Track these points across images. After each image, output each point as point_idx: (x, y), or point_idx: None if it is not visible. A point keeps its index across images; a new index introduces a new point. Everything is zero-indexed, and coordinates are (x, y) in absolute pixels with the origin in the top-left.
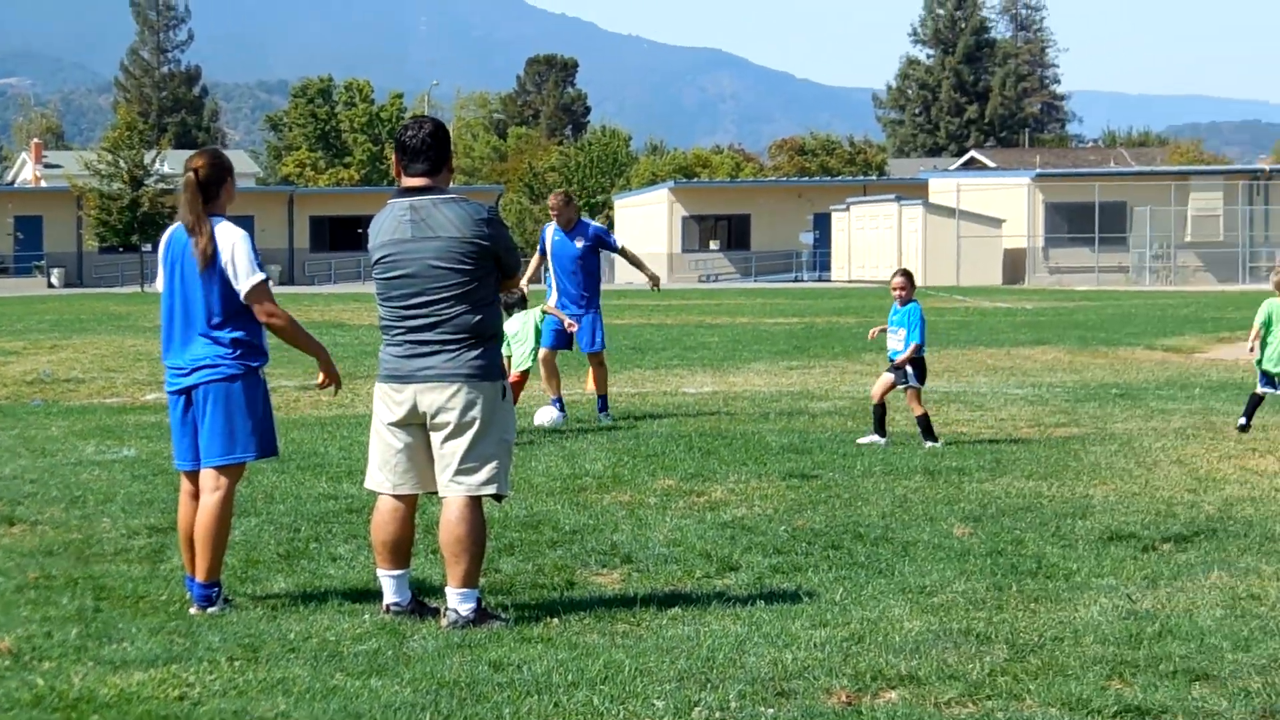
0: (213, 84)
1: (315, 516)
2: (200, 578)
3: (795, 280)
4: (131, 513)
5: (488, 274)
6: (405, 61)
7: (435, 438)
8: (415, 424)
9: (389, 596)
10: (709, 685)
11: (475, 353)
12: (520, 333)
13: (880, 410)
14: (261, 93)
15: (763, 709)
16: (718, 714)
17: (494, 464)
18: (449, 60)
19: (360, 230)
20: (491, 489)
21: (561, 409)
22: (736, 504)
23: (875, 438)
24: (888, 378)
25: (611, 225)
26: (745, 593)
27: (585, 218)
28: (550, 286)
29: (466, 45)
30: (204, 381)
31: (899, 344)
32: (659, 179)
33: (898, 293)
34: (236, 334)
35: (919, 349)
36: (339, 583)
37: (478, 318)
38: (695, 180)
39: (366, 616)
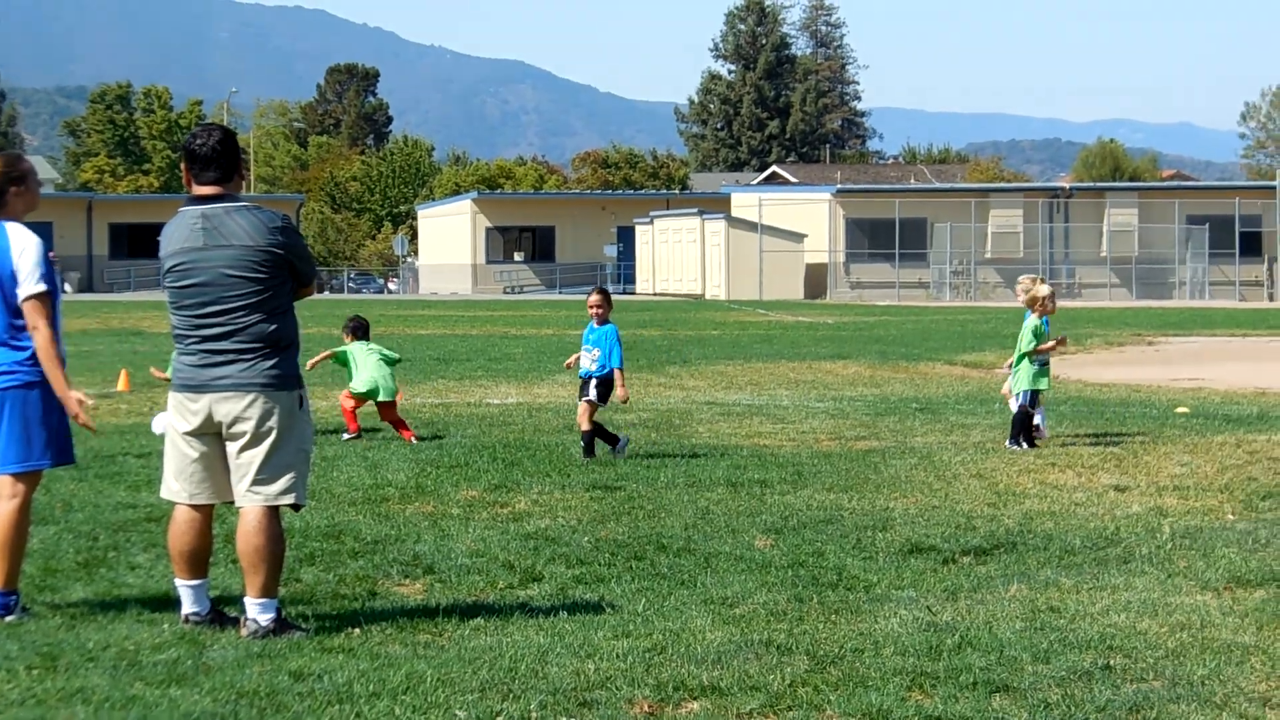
0: (10, 88)
1: (114, 525)
2: None
3: None
4: None
5: (282, 282)
6: (205, 70)
7: (231, 447)
8: (211, 433)
9: (187, 606)
10: (511, 695)
11: (271, 362)
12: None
13: (595, 432)
14: (60, 98)
15: (564, 719)
16: None
17: (291, 474)
18: (249, 69)
19: (159, 238)
20: (289, 499)
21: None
22: (540, 515)
23: (623, 440)
24: (584, 402)
25: (415, 235)
26: (548, 603)
27: None
28: None
29: (267, 54)
30: (4, 388)
31: (592, 363)
32: (462, 190)
33: (595, 311)
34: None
35: (620, 372)
36: (138, 591)
37: (273, 326)
38: (499, 192)
39: (165, 626)
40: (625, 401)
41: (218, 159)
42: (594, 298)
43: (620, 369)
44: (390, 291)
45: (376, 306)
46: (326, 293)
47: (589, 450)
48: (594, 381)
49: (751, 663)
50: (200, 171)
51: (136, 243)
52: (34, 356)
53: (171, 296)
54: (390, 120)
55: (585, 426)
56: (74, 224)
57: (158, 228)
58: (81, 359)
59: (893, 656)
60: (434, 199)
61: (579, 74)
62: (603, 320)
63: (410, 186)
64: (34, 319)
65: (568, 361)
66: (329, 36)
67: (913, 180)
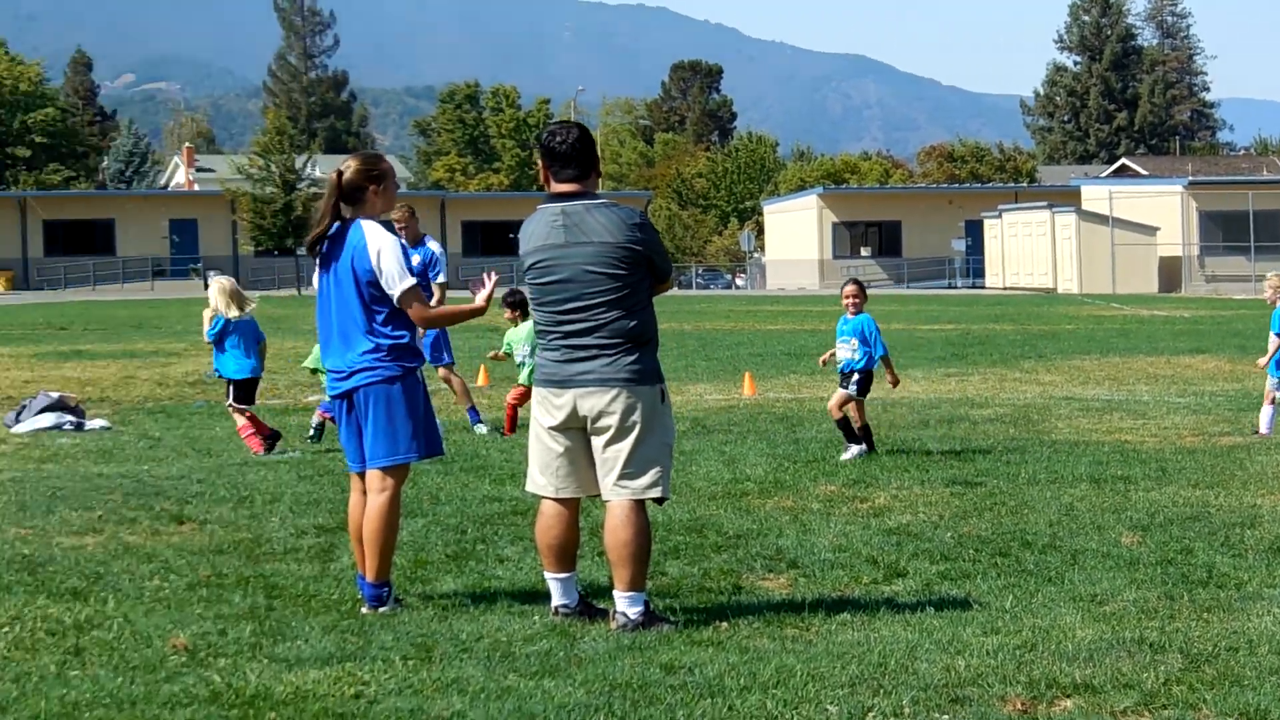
0: (360, 89)
1: (481, 518)
2: (370, 577)
3: (949, 287)
4: (299, 512)
5: (641, 278)
6: (551, 68)
7: (596, 442)
8: (575, 428)
9: (557, 599)
10: (882, 691)
11: (632, 357)
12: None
13: (844, 424)
14: (409, 98)
15: (937, 715)
16: (891, 719)
17: (656, 468)
18: (594, 67)
19: (511, 235)
20: (655, 492)
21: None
22: (900, 510)
23: (855, 449)
24: (842, 392)
25: (761, 231)
26: (914, 599)
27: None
28: None
29: (611, 52)
30: (363, 384)
31: (850, 353)
32: (807, 185)
33: (850, 301)
34: (393, 337)
35: (886, 359)
36: (507, 584)
37: (633, 322)
38: (845, 186)
39: (536, 618)
40: (896, 385)
41: (576, 156)
42: (849, 288)
43: (886, 356)
44: (737, 287)
45: (725, 302)
46: (675, 289)
47: (850, 437)
48: (855, 375)
49: (1124, 660)
50: (559, 169)
51: (489, 240)
52: (393, 350)
53: (533, 293)
54: (734, 116)
55: (836, 415)
56: (428, 222)
57: (508, 225)
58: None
59: (1268, 656)
60: (779, 194)
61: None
62: (857, 310)
63: (755, 182)
64: (415, 311)
65: (822, 358)
66: (671, 34)
67: (1265, 172)
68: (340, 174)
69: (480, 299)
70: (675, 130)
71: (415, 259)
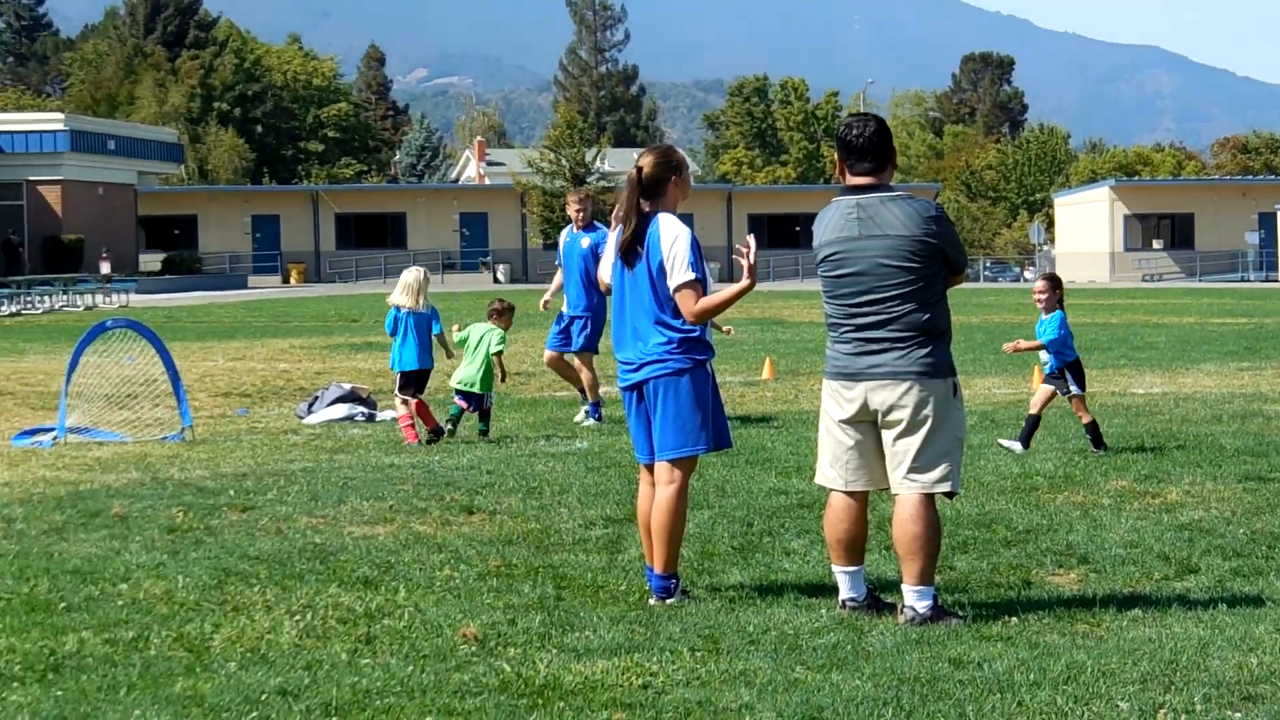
0: (649, 83)
1: (767, 511)
2: (659, 569)
3: (1241, 280)
4: (587, 503)
5: (935, 272)
6: (838, 60)
7: (887, 435)
8: (865, 421)
9: (845, 592)
10: (1173, 688)
11: (925, 350)
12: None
13: (1034, 421)
14: (698, 91)
15: (1229, 713)
16: (1182, 716)
17: (947, 462)
18: (882, 59)
19: (797, 228)
20: (945, 486)
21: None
22: (1193, 506)
23: (1016, 445)
24: (1046, 389)
25: (1051, 223)
26: (1206, 595)
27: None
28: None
29: (900, 44)
30: (653, 376)
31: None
32: (1098, 177)
33: (1038, 298)
34: (685, 329)
35: (1061, 353)
36: (794, 576)
37: (926, 315)
38: (1137, 179)
39: (823, 611)
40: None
41: (873, 149)
42: (1038, 284)
43: (1055, 344)
44: (1026, 280)
45: (1014, 295)
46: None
47: (1026, 439)
48: (1064, 372)
49: None
50: (855, 161)
51: (775, 233)
52: (684, 343)
53: (826, 285)
54: (1025, 108)
55: (1086, 420)
56: (714, 215)
57: (795, 218)
58: (725, 347)
59: None
60: (1070, 187)
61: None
62: (1049, 309)
63: (1046, 174)
64: (686, 306)
65: (1008, 346)
66: (962, 25)
67: None
68: (640, 170)
69: (745, 276)
70: (965, 122)
71: (585, 241)
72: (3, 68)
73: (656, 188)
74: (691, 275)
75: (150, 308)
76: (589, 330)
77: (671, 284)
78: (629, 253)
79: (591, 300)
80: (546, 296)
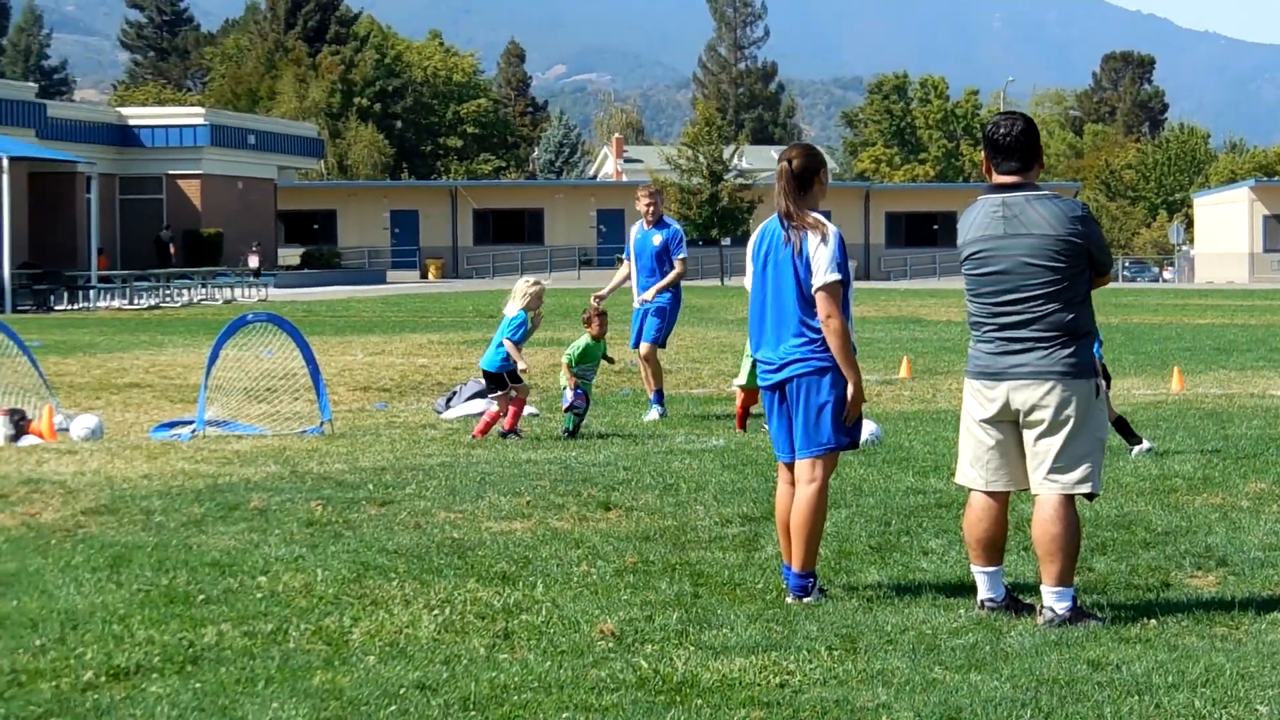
0: (788, 80)
1: (904, 510)
2: (797, 567)
3: None
4: (724, 501)
5: (1080, 271)
6: (977, 58)
7: (1028, 435)
8: (1007, 421)
9: (983, 592)
10: None
11: (1068, 350)
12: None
13: (1120, 421)
14: (836, 89)
15: None
16: None
17: (1088, 463)
18: (1022, 57)
19: (935, 226)
20: (1086, 488)
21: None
22: None
23: (1142, 445)
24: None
25: (1190, 224)
26: None
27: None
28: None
29: (1040, 42)
30: (796, 375)
31: None
32: (1238, 177)
33: None
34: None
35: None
36: (931, 576)
37: (1070, 315)
38: (1277, 179)
39: (961, 611)
40: None
41: (1020, 148)
42: None
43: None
44: (1165, 280)
45: (1153, 295)
46: None
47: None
48: None
49: None
50: (1002, 160)
51: (913, 232)
52: (825, 342)
53: (970, 284)
54: (1165, 107)
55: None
56: (852, 213)
57: (932, 216)
58: (863, 345)
59: None
60: (1210, 187)
61: None
62: None
63: (1186, 174)
64: (827, 308)
65: None
66: (1102, 24)
67: None
68: (790, 163)
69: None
70: (1105, 121)
71: (658, 239)
72: (144, 62)
73: (807, 182)
74: (836, 276)
75: (289, 302)
76: (661, 324)
77: (815, 283)
78: (797, 246)
79: (662, 295)
80: (604, 292)
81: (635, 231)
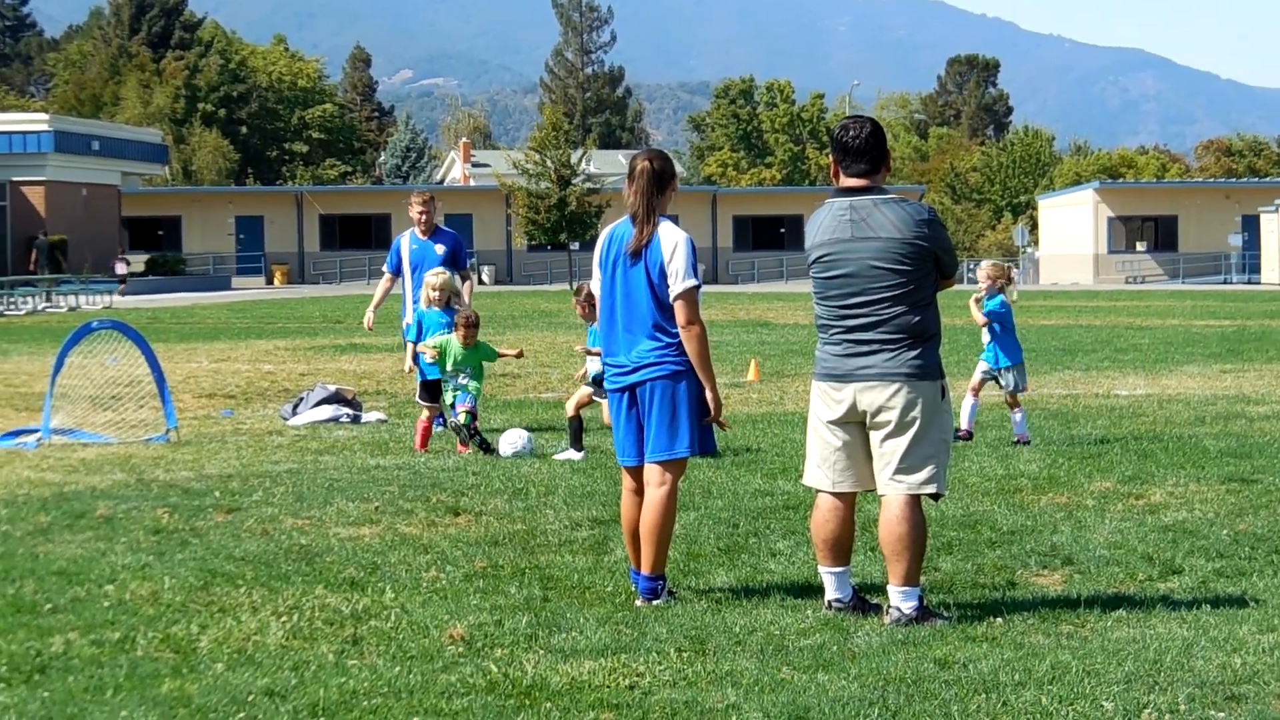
0: (635, 85)
1: (752, 512)
2: (646, 570)
3: (1224, 283)
4: (573, 505)
5: (927, 274)
6: (824, 62)
7: (875, 436)
8: (854, 422)
9: (831, 592)
10: (1157, 688)
11: (915, 353)
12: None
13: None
14: (684, 93)
15: (1213, 713)
16: (1167, 716)
17: (933, 463)
18: (868, 61)
19: (781, 230)
20: (931, 488)
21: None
22: (1176, 507)
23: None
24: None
25: (1035, 226)
26: (1189, 596)
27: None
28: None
29: (886, 46)
30: (650, 379)
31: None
32: (1083, 179)
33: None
34: (677, 333)
35: None
36: (779, 577)
37: (917, 318)
38: (1121, 181)
39: (809, 612)
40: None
41: (869, 151)
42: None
43: None
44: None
45: None
46: None
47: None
48: None
49: None
50: (850, 163)
51: (760, 235)
52: (679, 347)
53: (817, 286)
54: (1010, 110)
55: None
56: (699, 217)
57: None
58: (712, 349)
59: None
60: (1054, 189)
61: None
62: None
63: (1030, 176)
64: (687, 314)
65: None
66: (948, 27)
67: None
68: (652, 163)
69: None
70: (950, 124)
71: (440, 248)
72: None
73: (664, 184)
74: (693, 282)
75: (134, 309)
76: None
77: (673, 291)
78: (636, 255)
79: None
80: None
81: (409, 241)
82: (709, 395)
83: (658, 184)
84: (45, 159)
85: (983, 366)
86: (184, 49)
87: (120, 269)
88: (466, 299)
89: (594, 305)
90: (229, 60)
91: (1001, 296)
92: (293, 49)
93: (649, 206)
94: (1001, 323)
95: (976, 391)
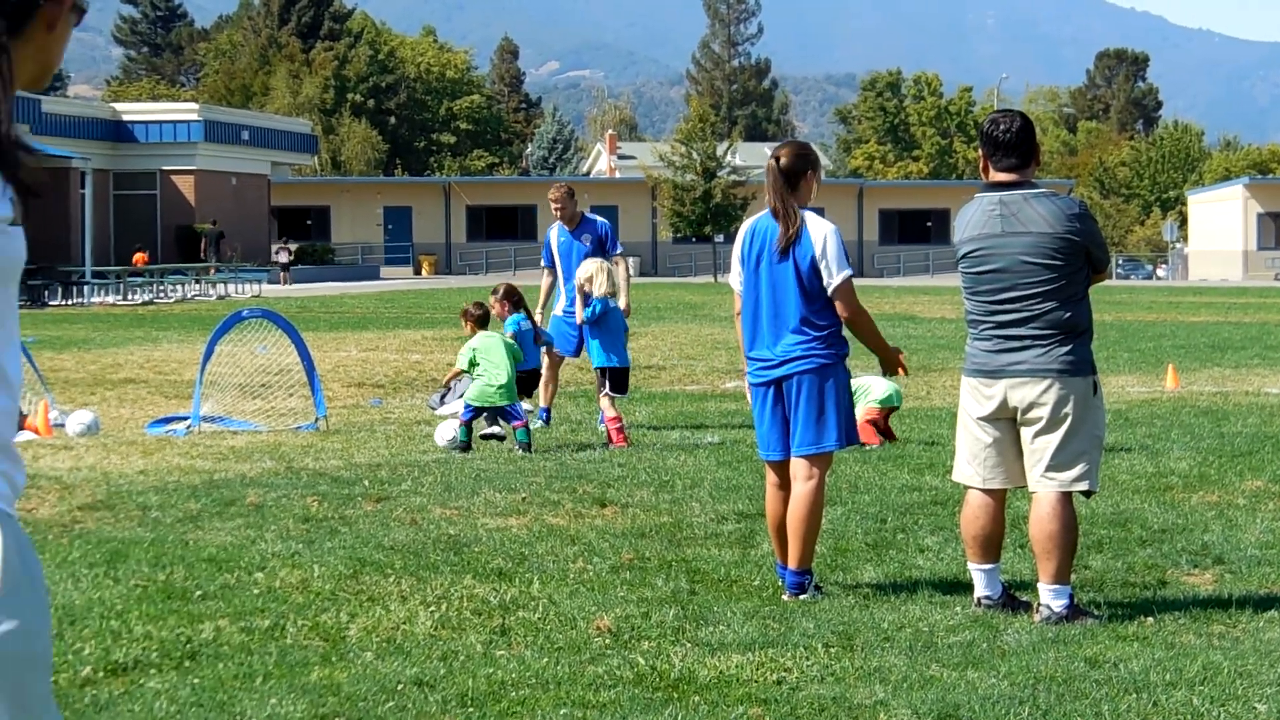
0: (781, 77)
1: (900, 507)
2: (793, 565)
3: None
4: (719, 498)
5: (1078, 269)
6: (971, 56)
7: (1026, 433)
8: (1004, 418)
9: (980, 589)
10: None
11: (1066, 348)
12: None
13: None
14: (829, 85)
15: None
16: None
17: (1085, 460)
18: (1016, 55)
19: (928, 224)
20: (1083, 485)
21: (547, 419)
22: None
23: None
24: None
25: (1184, 221)
26: None
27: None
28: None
29: (1034, 40)
30: (796, 372)
31: None
32: (1232, 175)
33: None
34: (827, 325)
35: None
36: (928, 574)
37: (1068, 313)
38: (1271, 177)
39: (958, 608)
40: None
41: (1019, 145)
42: None
43: None
44: (1159, 278)
45: (1147, 293)
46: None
47: None
48: None
49: None
50: (1000, 157)
51: (905, 228)
52: (827, 339)
53: (967, 281)
54: (1159, 105)
55: None
56: (845, 210)
57: (925, 214)
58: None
59: None
60: (1204, 184)
61: None
62: None
63: (1180, 172)
64: (849, 306)
65: None
66: (1096, 21)
67: None
68: (778, 160)
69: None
70: (1099, 118)
71: (586, 238)
72: (138, 58)
73: (794, 180)
74: (848, 272)
75: (282, 298)
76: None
77: (831, 283)
78: (785, 252)
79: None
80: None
81: (557, 234)
82: (887, 355)
83: (787, 180)
84: (195, 148)
85: None
86: (333, 39)
87: (283, 257)
88: (621, 285)
89: (514, 304)
90: (378, 51)
91: None
92: (441, 40)
93: (784, 202)
94: None
95: None
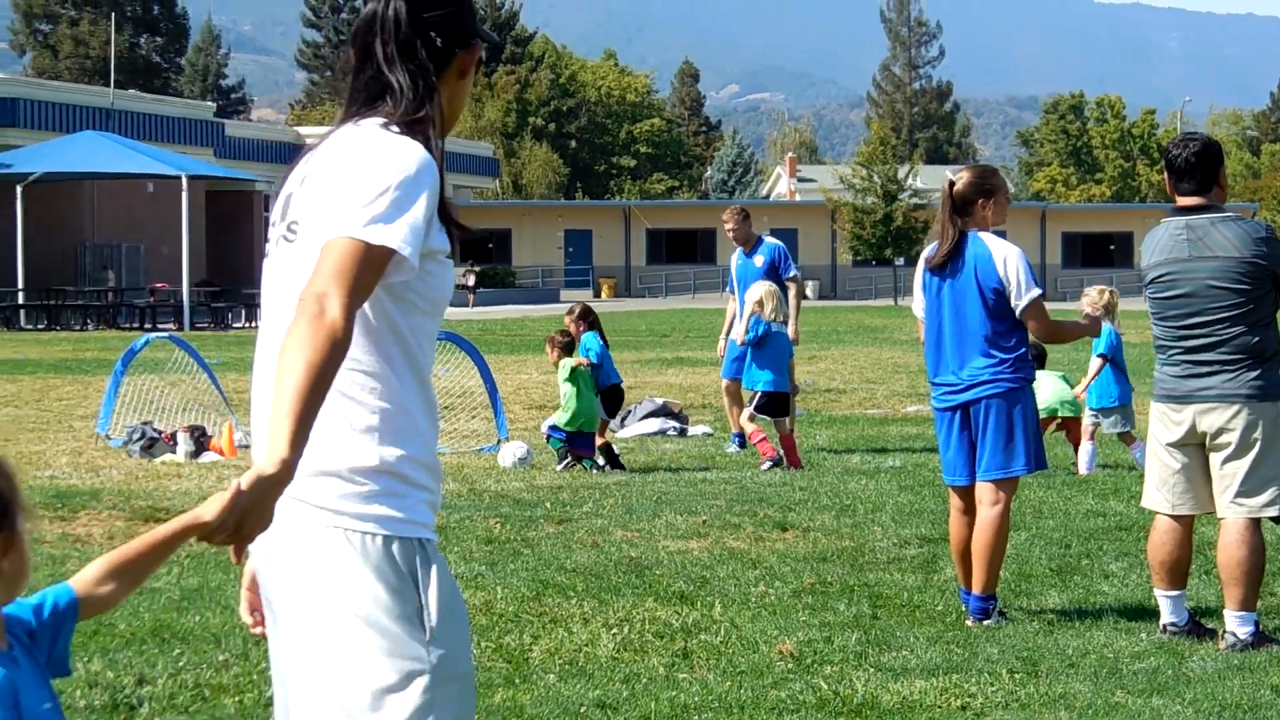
0: (963, 99)
1: (1085, 533)
2: (977, 590)
3: None
4: (901, 522)
5: (1265, 293)
6: (1153, 79)
7: (1215, 458)
8: (1193, 444)
9: (1166, 616)
10: None
11: (1255, 373)
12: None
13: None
14: (1011, 108)
15: None
16: None
17: (1275, 485)
18: (1199, 78)
19: (1111, 247)
20: (1273, 511)
21: (741, 444)
22: None
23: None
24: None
25: None
26: None
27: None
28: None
29: (1217, 63)
30: (984, 397)
31: None
32: None
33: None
34: (1014, 348)
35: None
36: (1113, 600)
37: (1256, 338)
38: None
39: (1144, 635)
40: None
41: (1193, 170)
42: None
43: None
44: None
45: None
46: None
47: None
48: None
49: None
50: (1178, 182)
51: (1089, 251)
52: (1012, 363)
53: (1154, 307)
54: None
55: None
56: (1027, 233)
57: (1109, 237)
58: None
59: None
60: None
61: None
62: None
63: None
64: (1042, 325)
65: None
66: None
67: None
68: (951, 185)
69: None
70: None
71: (759, 260)
72: (320, 81)
73: (965, 207)
74: (1036, 291)
75: (464, 320)
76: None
77: (1019, 304)
78: (941, 269)
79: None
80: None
81: (736, 259)
82: (1091, 331)
83: (956, 204)
84: None
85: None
86: (515, 63)
87: (469, 280)
88: (791, 311)
89: (589, 324)
90: (559, 75)
91: (1111, 326)
92: (621, 64)
93: (945, 224)
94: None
95: (1091, 436)
